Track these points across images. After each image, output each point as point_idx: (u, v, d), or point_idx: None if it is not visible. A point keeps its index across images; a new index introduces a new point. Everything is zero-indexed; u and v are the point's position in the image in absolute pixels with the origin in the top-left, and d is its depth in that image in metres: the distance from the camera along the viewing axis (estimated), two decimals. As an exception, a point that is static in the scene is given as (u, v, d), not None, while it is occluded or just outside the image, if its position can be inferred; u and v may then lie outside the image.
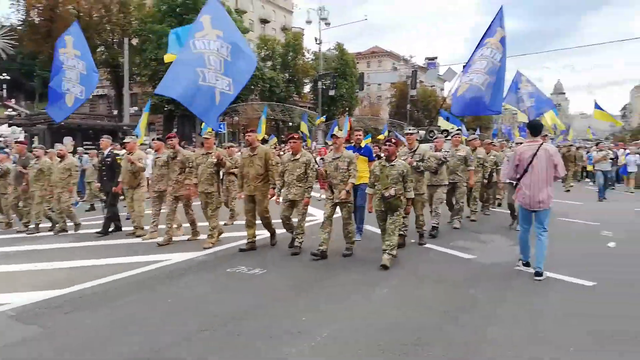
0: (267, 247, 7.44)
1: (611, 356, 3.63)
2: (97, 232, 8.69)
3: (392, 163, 6.33)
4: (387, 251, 6.17)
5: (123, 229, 9.02)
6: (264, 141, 21.94)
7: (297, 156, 7.05)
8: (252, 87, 40.86)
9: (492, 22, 7.48)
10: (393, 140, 6.58)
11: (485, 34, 7.50)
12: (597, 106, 18.81)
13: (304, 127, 22.86)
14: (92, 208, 12.48)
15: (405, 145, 8.08)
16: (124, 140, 9.06)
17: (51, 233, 9.06)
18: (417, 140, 7.97)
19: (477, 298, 4.93)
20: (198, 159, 7.77)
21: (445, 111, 30.19)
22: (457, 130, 9.92)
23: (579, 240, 7.95)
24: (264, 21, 64.93)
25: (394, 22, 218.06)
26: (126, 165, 8.66)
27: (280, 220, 7.18)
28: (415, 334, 3.92)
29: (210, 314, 4.47)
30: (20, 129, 21.48)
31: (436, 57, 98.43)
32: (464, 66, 7.63)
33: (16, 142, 11.09)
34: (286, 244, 7.30)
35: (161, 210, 8.35)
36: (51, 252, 7.39)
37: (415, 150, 7.56)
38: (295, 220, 7.17)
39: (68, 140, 16.12)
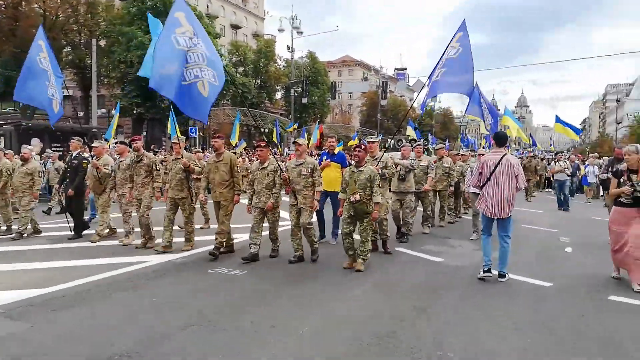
0: (243, 250, 7.30)
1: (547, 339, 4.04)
2: (69, 237, 8.59)
3: (361, 169, 6.48)
4: (361, 256, 6.39)
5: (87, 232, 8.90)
6: (233, 146, 22.02)
7: (265, 164, 7.13)
8: (224, 91, 40.81)
9: (454, 36, 7.75)
10: (362, 147, 6.77)
11: (448, 47, 7.79)
12: (557, 120, 19.68)
13: (275, 134, 23.11)
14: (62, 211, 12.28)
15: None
16: (92, 145, 8.97)
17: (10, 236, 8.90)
18: (380, 147, 8.05)
19: (445, 296, 5.29)
20: (168, 165, 7.70)
21: (413, 122, 31.16)
22: (419, 142, 10.21)
23: (539, 246, 8.46)
24: (235, 27, 64.90)
25: (363, 32, 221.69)
26: (92, 171, 8.58)
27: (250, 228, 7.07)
28: (390, 328, 4.22)
29: (195, 310, 4.64)
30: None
31: (405, 68, 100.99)
32: (429, 77, 7.84)
33: None
34: (246, 252, 7.00)
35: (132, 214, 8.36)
36: (29, 253, 7.36)
37: (379, 158, 7.70)
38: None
39: (36, 142, 15.79)
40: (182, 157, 7.58)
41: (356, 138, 30.58)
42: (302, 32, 34.60)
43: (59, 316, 4.49)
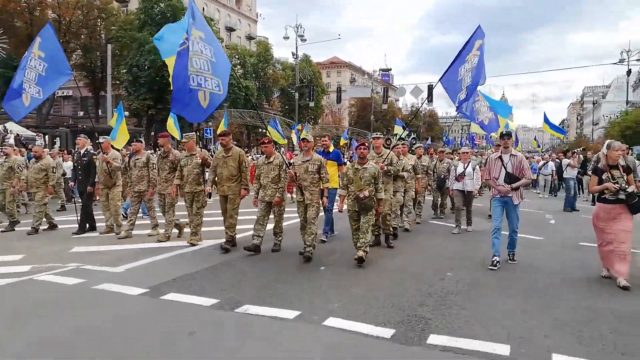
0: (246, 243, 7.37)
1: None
2: (73, 233, 8.75)
3: (365, 166, 6.63)
4: (361, 248, 6.49)
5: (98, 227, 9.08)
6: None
7: (271, 159, 7.27)
8: (228, 94, 43.13)
9: (470, 40, 7.54)
10: (366, 144, 6.85)
11: (462, 52, 7.53)
12: (545, 119, 20.38)
13: (274, 134, 25.38)
14: (63, 208, 12.67)
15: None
16: (99, 141, 9.05)
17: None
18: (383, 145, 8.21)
19: (449, 277, 6.05)
20: (182, 161, 7.93)
21: (401, 120, 33.76)
22: (403, 141, 10.18)
23: (531, 218, 11.09)
24: (230, 29, 66.76)
25: (345, 31, 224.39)
26: (102, 165, 8.79)
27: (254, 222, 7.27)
28: (416, 300, 4.88)
29: (246, 279, 5.65)
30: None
31: (390, 69, 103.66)
32: (440, 79, 7.70)
33: None
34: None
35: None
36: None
37: (384, 155, 7.82)
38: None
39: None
40: (199, 153, 7.93)
41: (347, 137, 32.80)
42: (305, 40, 37.03)
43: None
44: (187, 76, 6.48)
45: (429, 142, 32.81)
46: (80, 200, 9.42)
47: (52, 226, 9.30)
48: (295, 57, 38.29)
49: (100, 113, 43.93)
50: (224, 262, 6.58)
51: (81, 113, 56.08)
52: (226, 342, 3.92)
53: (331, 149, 8.72)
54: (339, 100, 40.65)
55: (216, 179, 7.75)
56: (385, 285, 5.53)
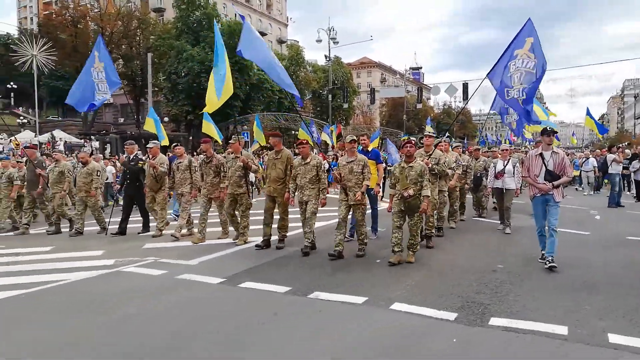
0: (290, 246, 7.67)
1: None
2: (139, 232, 9.16)
3: (411, 164, 6.58)
4: (410, 249, 6.62)
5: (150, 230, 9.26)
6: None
7: (308, 160, 7.33)
8: (262, 98, 44.10)
9: (519, 34, 7.41)
10: (412, 142, 6.83)
11: (511, 46, 7.46)
12: (588, 113, 20.34)
13: (302, 134, 25.78)
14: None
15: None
16: (148, 146, 9.32)
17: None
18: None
19: (500, 269, 6.59)
20: (228, 162, 8.20)
21: (432, 120, 33.70)
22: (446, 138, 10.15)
23: (576, 215, 11.23)
24: (262, 34, 67.99)
25: (371, 31, 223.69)
26: (149, 170, 9.04)
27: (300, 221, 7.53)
28: (472, 289, 5.24)
29: (308, 271, 6.12)
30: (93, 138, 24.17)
31: (420, 67, 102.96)
32: (487, 74, 7.72)
33: (26, 148, 11.22)
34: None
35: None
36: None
37: (431, 154, 7.88)
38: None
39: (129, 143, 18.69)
40: (241, 155, 8.07)
41: (378, 137, 32.71)
42: (337, 42, 37.52)
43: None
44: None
45: (465, 142, 32.73)
46: (122, 204, 9.96)
47: (103, 229, 9.52)
48: (327, 59, 38.81)
49: (140, 119, 45.62)
50: (284, 257, 7.06)
51: (122, 120, 58.57)
52: (307, 321, 4.42)
53: (370, 147, 8.74)
54: (372, 101, 40.85)
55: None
56: (440, 277, 5.91)
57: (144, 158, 9.55)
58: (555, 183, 6.31)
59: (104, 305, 4.91)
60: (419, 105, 48.53)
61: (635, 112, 77.26)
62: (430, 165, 7.44)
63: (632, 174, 14.87)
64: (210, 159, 8.51)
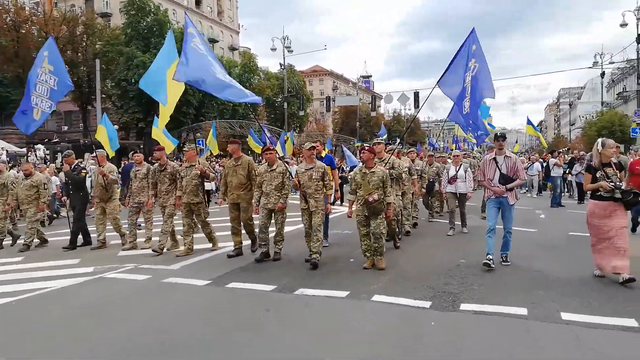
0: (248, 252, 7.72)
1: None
2: (64, 247, 8.59)
3: (372, 170, 6.62)
4: (378, 253, 6.61)
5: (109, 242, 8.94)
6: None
7: (274, 167, 7.32)
8: (216, 105, 43.88)
9: (465, 44, 7.62)
10: (367, 148, 6.86)
11: (459, 55, 7.62)
12: (529, 122, 22.11)
13: (252, 144, 26.02)
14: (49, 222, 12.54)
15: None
16: (94, 154, 9.31)
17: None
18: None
19: (463, 264, 7.16)
20: (182, 172, 8.00)
21: (385, 127, 35.00)
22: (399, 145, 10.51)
23: (524, 215, 12.12)
24: (213, 41, 67.42)
25: (326, 40, 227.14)
26: (97, 179, 8.78)
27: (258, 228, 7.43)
28: (441, 281, 5.79)
29: (290, 271, 6.42)
30: (43, 147, 23.24)
31: (370, 76, 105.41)
32: (437, 82, 7.76)
33: None
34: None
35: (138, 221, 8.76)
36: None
37: (385, 159, 8.01)
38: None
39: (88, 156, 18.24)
40: (198, 164, 8.01)
41: (331, 146, 33.48)
42: (292, 51, 38.04)
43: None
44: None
45: (419, 147, 34.01)
46: (72, 215, 9.22)
47: (43, 241, 9.21)
48: (282, 67, 39.25)
49: (88, 127, 44.07)
50: (261, 260, 7.22)
51: (66, 127, 56.22)
52: (298, 314, 4.81)
53: (323, 154, 8.79)
54: (328, 109, 41.65)
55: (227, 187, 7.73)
56: (411, 272, 6.42)
57: (87, 167, 9.41)
58: (509, 186, 6.58)
59: (97, 310, 5.07)
60: (373, 114, 49.82)
61: (570, 119, 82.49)
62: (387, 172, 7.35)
63: (574, 177, 16.05)
64: (164, 167, 8.30)
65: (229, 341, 4.18)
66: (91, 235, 9.01)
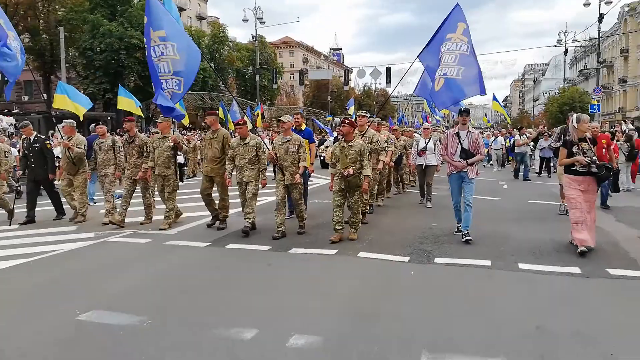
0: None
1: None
2: (54, 218, 8.62)
3: (350, 143, 6.66)
4: (353, 227, 6.77)
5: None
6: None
7: (247, 140, 7.23)
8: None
9: (448, 18, 7.44)
10: (347, 121, 6.91)
11: (441, 29, 7.45)
12: (494, 98, 22.82)
13: (221, 114, 26.40)
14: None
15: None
16: (60, 124, 8.67)
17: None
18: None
19: (435, 227, 8.00)
20: (154, 143, 7.83)
21: (354, 100, 35.51)
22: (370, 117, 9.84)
23: (489, 186, 13.04)
24: (180, 9, 65.33)
25: (289, 11, 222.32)
26: (64, 151, 8.47)
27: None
28: (417, 240, 6.75)
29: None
30: (11, 118, 22.71)
31: (341, 48, 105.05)
32: (418, 55, 7.73)
33: None
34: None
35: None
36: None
37: (366, 134, 8.17)
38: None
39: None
40: (171, 135, 7.87)
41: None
42: (264, 22, 37.78)
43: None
44: (159, 80, 7.09)
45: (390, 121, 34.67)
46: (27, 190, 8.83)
47: (10, 213, 8.55)
48: (254, 39, 38.97)
49: (48, 98, 42.78)
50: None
51: (26, 98, 54.17)
52: (297, 268, 5.50)
53: (303, 126, 8.70)
54: (301, 82, 41.85)
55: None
56: (389, 234, 7.17)
57: (47, 138, 8.90)
58: (470, 161, 6.69)
59: (113, 265, 5.63)
60: (346, 88, 50.23)
61: (534, 94, 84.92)
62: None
63: (538, 151, 16.83)
64: (133, 139, 8.21)
65: (239, 286, 4.82)
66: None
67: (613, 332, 3.63)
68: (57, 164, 8.72)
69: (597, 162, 5.83)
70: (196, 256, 6.05)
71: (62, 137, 8.74)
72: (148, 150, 7.96)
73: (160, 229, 7.46)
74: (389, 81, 34.57)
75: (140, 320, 3.85)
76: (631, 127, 19.60)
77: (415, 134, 12.81)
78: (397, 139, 11.56)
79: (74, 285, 4.94)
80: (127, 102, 12.55)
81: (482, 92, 7.37)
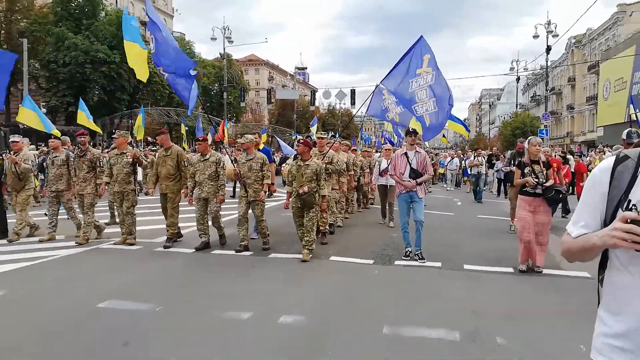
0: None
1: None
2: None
3: (307, 163, 6.78)
4: (306, 247, 6.72)
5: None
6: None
7: (207, 156, 7.41)
8: (153, 91, 43.42)
9: (413, 50, 7.55)
10: (303, 141, 6.98)
11: (405, 58, 7.63)
12: (451, 117, 24.65)
13: (183, 129, 27.04)
14: None
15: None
16: (12, 140, 8.41)
17: None
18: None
19: (395, 237, 8.94)
20: (112, 159, 7.72)
21: (318, 120, 36.75)
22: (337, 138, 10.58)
23: (444, 203, 14.22)
24: (144, 24, 65.52)
25: (261, 27, 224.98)
26: (10, 167, 8.17)
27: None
28: (380, 247, 7.74)
29: (255, 245, 7.51)
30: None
31: (306, 68, 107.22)
32: (381, 81, 7.98)
33: None
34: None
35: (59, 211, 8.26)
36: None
37: (325, 153, 8.34)
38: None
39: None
40: (130, 151, 7.77)
41: (264, 134, 34.12)
42: (232, 41, 38.63)
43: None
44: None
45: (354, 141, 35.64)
46: None
47: None
48: (222, 57, 39.72)
49: (7, 110, 41.83)
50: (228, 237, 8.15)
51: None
52: (278, 269, 6.31)
53: (261, 146, 8.89)
54: (269, 101, 42.78)
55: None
56: (355, 243, 8.11)
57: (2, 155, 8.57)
58: (419, 180, 6.76)
59: (117, 267, 6.29)
60: (312, 107, 51.51)
61: (490, 118, 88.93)
62: (324, 165, 7.68)
63: (496, 173, 16.83)
64: (84, 153, 7.94)
65: (230, 281, 5.62)
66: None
67: (539, 316, 4.58)
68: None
69: (543, 183, 6.05)
70: (186, 259, 6.79)
71: (9, 152, 8.49)
72: (100, 165, 7.89)
73: (128, 244, 7.48)
74: (353, 102, 36.01)
75: (152, 306, 4.60)
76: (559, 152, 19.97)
77: (375, 154, 13.27)
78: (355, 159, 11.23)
79: (82, 283, 5.55)
80: (83, 117, 12.69)
81: (451, 103, 7.65)
